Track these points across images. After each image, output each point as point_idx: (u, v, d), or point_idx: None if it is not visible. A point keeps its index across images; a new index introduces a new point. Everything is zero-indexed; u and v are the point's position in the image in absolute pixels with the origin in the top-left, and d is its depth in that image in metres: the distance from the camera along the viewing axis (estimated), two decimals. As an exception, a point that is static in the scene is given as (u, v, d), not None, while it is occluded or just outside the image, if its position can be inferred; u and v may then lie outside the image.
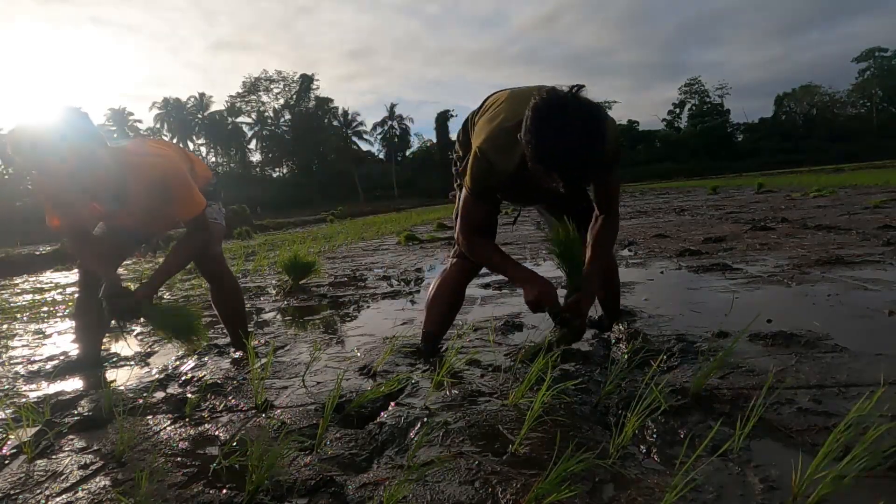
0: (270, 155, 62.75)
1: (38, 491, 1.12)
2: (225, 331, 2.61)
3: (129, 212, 1.85)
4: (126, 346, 2.33)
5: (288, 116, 62.55)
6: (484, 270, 2.95)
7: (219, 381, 1.76)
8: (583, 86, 1.37)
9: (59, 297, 4.46)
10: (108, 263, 1.90)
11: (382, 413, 1.39)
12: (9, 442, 1.37)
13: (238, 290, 2.20)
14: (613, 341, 1.86)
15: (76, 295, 2.14)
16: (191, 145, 56.78)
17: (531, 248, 4.73)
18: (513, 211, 1.70)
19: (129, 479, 1.14)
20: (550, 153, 1.32)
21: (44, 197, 1.80)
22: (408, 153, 67.20)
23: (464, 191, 1.69)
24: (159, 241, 2.20)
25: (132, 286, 1.90)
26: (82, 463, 1.24)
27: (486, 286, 3.20)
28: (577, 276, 1.61)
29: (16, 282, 6.56)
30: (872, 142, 50.82)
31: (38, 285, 5.77)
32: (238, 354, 2.10)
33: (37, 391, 1.84)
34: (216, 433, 1.36)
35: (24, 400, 1.72)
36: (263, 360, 1.85)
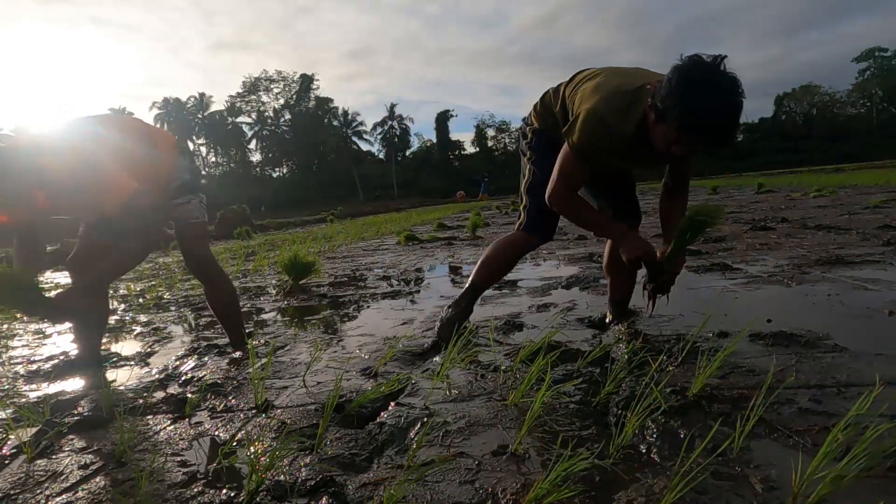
0: (270, 155, 62.80)
1: (38, 491, 1.12)
2: (224, 331, 2.61)
3: (70, 206, 1.78)
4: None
5: (288, 116, 62.61)
6: None
7: (219, 381, 1.76)
8: (725, 56, 1.40)
9: (59, 297, 4.46)
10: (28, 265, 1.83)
11: (382, 413, 1.39)
12: (9, 442, 1.37)
13: (231, 288, 2.14)
14: (613, 341, 1.86)
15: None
16: (191, 145, 56.78)
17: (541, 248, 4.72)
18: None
19: (129, 479, 1.14)
20: (704, 116, 1.36)
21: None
22: (408, 153, 67.26)
23: (565, 151, 1.70)
24: (167, 230, 2.16)
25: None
26: (82, 463, 1.24)
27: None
28: (682, 247, 1.69)
29: (16, 282, 6.55)
30: (872, 142, 50.84)
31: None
32: (238, 354, 2.10)
33: (37, 391, 1.84)
34: (216, 433, 1.36)
35: (24, 400, 1.72)
36: (263, 360, 1.85)
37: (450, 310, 2.10)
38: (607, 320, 2.14)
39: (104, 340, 2.23)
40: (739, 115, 1.40)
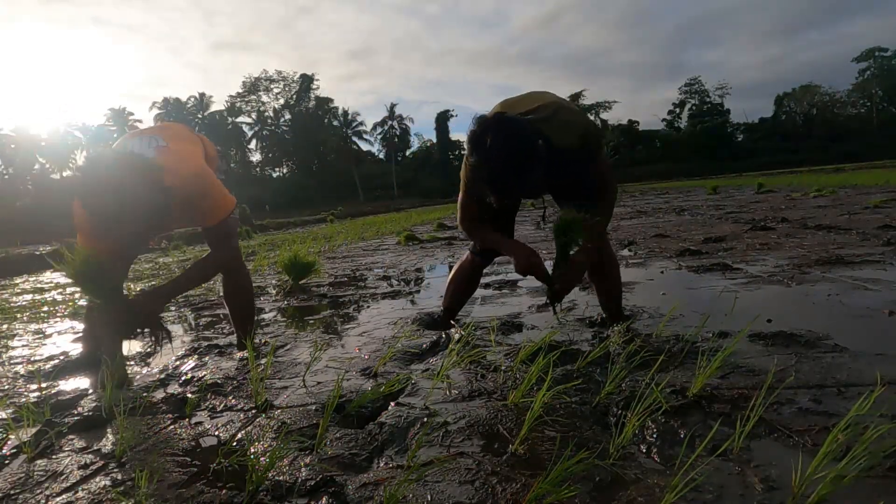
0: (270, 155, 62.80)
1: (38, 491, 1.12)
2: (225, 331, 2.61)
3: (168, 224, 1.83)
4: (166, 353, 2.17)
5: (288, 116, 62.61)
6: (487, 271, 3.00)
7: (219, 381, 1.76)
8: (503, 115, 1.59)
9: (59, 297, 4.46)
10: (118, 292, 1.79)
11: (382, 413, 1.39)
12: (9, 442, 1.37)
13: (250, 287, 2.19)
14: (613, 341, 1.86)
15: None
16: (191, 145, 56.69)
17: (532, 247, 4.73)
18: (532, 205, 1.88)
19: (129, 479, 1.14)
20: (481, 175, 1.55)
21: (87, 225, 1.70)
22: (408, 153, 67.27)
23: (460, 192, 1.93)
24: (162, 239, 2.18)
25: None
26: (82, 463, 1.24)
27: (486, 286, 3.20)
28: (564, 254, 1.80)
29: (16, 282, 6.56)
30: (872, 142, 50.82)
31: (38, 285, 5.77)
32: (239, 355, 2.10)
33: (37, 391, 1.84)
34: (216, 433, 1.36)
35: (24, 400, 1.72)
36: (263, 360, 1.85)
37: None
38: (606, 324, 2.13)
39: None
40: (506, 170, 1.51)
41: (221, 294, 2.21)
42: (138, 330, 1.73)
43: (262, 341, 2.29)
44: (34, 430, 1.42)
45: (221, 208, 1.87)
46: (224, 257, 1.97)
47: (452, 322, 2.21)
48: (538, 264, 1.77)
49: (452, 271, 2.26)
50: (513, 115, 1.62)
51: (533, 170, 1.55)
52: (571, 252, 1.80)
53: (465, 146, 1.59)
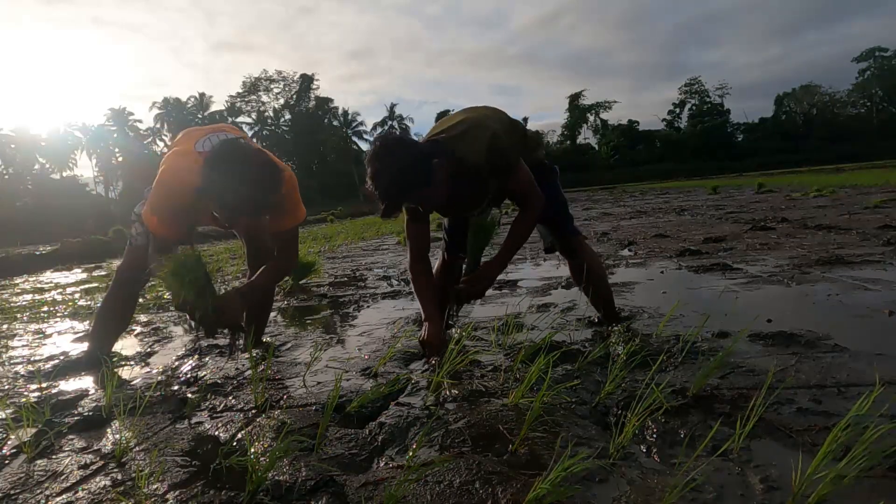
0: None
1: (38, 491, 1.12)
2: (225, 331, 2.61)
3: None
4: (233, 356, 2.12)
5: (288, 116, 62.61)
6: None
7: (219, 381, 1.76)
8: (390, 136, 1.67)
9: (59, 297, 4.46)
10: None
11: (382, 413, 1.39)
12: (9, 442, 1.37)
13: (272, 291, 2.26)
14: (613, 341, 1.86)
15: (111, 292, 2.10)
16: (191, 145, 56.72)
17: (531, 247, 4.73)
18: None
19: (129, 479, 1.14)
20: (373, 186, 1.62)
21: (166, 204, 1.74)
22: (408, 153, 67.11)
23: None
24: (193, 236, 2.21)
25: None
26: (82, 463, 1.24)
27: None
28: (476, 259, 1.94)
29: (16, 282, 6.57)
30: (872, 142, 50.83)
31: (38, 285, 5.77)
32: (238, 354, 2.10)
33: (37, 391, 1.84)
34: (216, 433, 1.36)
35: (24, 400, 1.72)
36: (263, 361, 1.85)
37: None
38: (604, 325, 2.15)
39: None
40: (389, 189, 1.60)
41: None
42: (221, 329, 1.74)
43: (263, 341, 2.29)
44: (34, 430, 1.42)
45: (300, 213, 1.95)
46: (292, 261, 2.03)
47: (451, 322, 2.20)
48: (438, 350, 1.77)
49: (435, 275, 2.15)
50: (401, 138, 1.69)
51: (420, 188, 1.63)
52: (484, 257, 1.93)
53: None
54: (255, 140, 2.28)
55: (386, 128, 63.77)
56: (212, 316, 1.67)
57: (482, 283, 1.88)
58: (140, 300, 3.85)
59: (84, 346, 2.52)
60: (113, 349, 2.20)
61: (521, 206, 1.91)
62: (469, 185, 1.78)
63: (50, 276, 6.87)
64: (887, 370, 1.38)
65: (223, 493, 1.04)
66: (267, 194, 1.62)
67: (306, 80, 62.07)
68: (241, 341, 1.83)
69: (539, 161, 2.02)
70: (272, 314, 2.94)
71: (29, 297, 4.72)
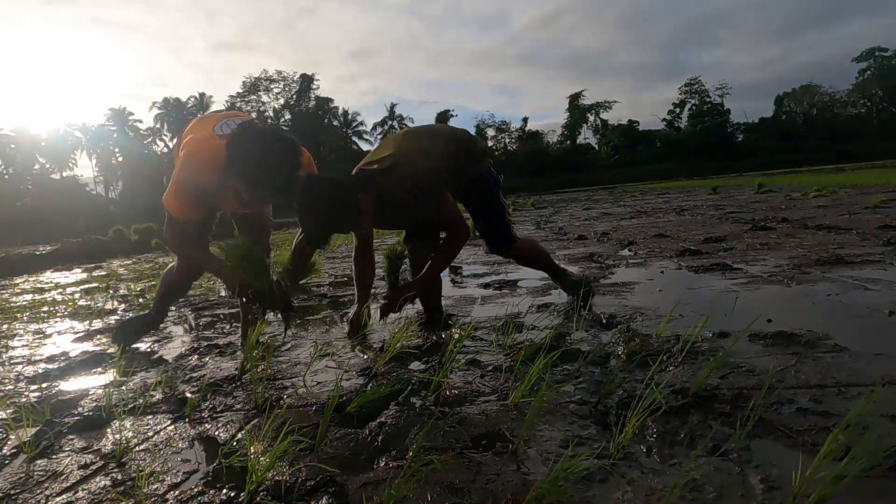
0: (270, 155, 62.68)
1: (38, 491, 1.12)
2: (225, 331, 2.61)
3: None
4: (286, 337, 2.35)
5: (288, 116, 62.58)
6: (485, 271, 3.04)
7: (219, 381, 1.76)
8: (318, 177, 1.97)
9: (59, 297, 4.46)
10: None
11: (382, 413, 1.39)
12: (9, 442, 1.37)
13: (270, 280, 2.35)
14: (613, 341, 1.86)
15: (173, 268, 2.32)
16: (191, 145, 56.71)
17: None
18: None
19: (129, 479, 1.14)
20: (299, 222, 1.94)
21: (188, 187, 1.84)
22: (408, 153, 67.08)
23: None
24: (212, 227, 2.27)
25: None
26: (82, 463, 1.24)
27: (487, 286, 3.20)
28: (394, 279, 2.32)
29: (16, 282, 6.57)
30: (872, 142, 50.81)
31: (38, 285, 5.77)
32: (238, 354, 2.10)
33: (37, 391, 1.84)
34: (216, 433, 1.36)
35: (24, 400, 1.72)
36: (263, 361, 1.85)
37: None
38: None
39: (109, 338, 2.24)
40: (316, 223, 1.90)
41: (226, 292, 2.25)
42: (275, 311, 1.97)
43: (263, 341, 2.29)
44: (34, 430, 1.42)
45: None
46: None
47: (450, 322, 2.23)
48: (355, 328, 2.19)
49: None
50: (326, 178, 1.91)
51: (345, 223, 1.93)
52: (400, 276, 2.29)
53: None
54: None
55: (386, 128, 63.83)
56: (271, 295, 1.91)
57: (397, 293, 2.13)
58: (139, 300, 3.85)
59: (84, 346, 2.52)
60: (111, 350, 2.21)
61: (446, 233, 2.16)
62: (397, 212, 2.05)
63: (50, 276, 6.87)
64: (887, 370, 1.38)
65: (223, 493, 1.04)
66: (293, 168, 1.71)
67: (306, 80, 62.10)
68: (290, 321, 2.08)
69: (485, 171, 2.26)
70: (272, 314, 2.93)
71: (29, 297, 4.72)
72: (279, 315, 2.06)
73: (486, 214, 2.30)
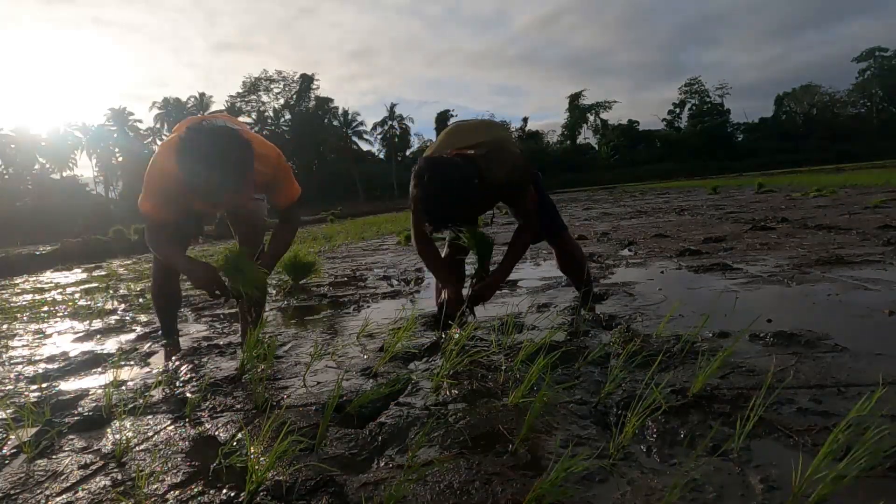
0: (271, 155, 62.64)
1: (38, 491, 1.12)
2: (225, 331, 2.61)
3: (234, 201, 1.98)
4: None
5: (288, 116, 62.60)
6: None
7: (219, 381, 1.76)
8: (459, 158, 1.88)
9: (59, 297, 4.46)
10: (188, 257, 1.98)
11: (382, 413, 1.39)
12: (9, 442, 1.37)
13: (266, 289, 2.31)
14: (613, 341, 1.86)
15: (154, 281, 2.31)
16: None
17: (530, 248, 4.72)
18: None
19: (129, 479, 1.14)
20: (419, 207, 1.85)
21: (157, 189, 1.85)
22: (408, 153, 67.19)
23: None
24: (206, 227, 2.27)
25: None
26: (82, 463, 1.24)
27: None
28: (483, 267, 2.13)
29: (16, 282, 6.57)
30: (872, 142, 50.82)
31: (38, 285, 5.77)
32: (239, 354, 2.10)
33: (37, 391, 1.84)
34: (216, 433, 1.36)
35: (24, 400, 1.72)
36: (263, 361, 1.85)
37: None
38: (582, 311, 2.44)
39: (109, 338, 2.24)
40: (445, 209, 1.81)
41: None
42: (247, 291, 1.91)
43: (263, 341, 2.29)
44: (34, 430, 1.42)
45: (295, 190, 2.07)
46: (292, 234, 2.17)
47: (451, 322, 2.23)
48: (457, 304, 2.08)
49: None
50: (449, 159, 1.86)
51: (462, 206, 1.82)
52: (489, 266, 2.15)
53: (411, 181, 1.86)
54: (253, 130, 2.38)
55: (386, 128, 63.81)
56: (242, 285, 1.87)
57: (491, 289, 2.12)
58: (139, 300, 3.85)
59: (84, 346, 2.52)
60: (117, 348, 2.21)
61: (523, 222, 2.17)
62: (487, 200, 2.02)
63: (50, 276, 6.87)
64: (887, 370, 1.38)
65: (223, 493, 1.04)
66: (233, 171, 1.67)
67: (306, 80, 62.09)
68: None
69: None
70: (272, 314, 2.94)
71: (29, 297, 4.72)
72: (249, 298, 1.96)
73: (542, 203, 2.32)
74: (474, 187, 1.81)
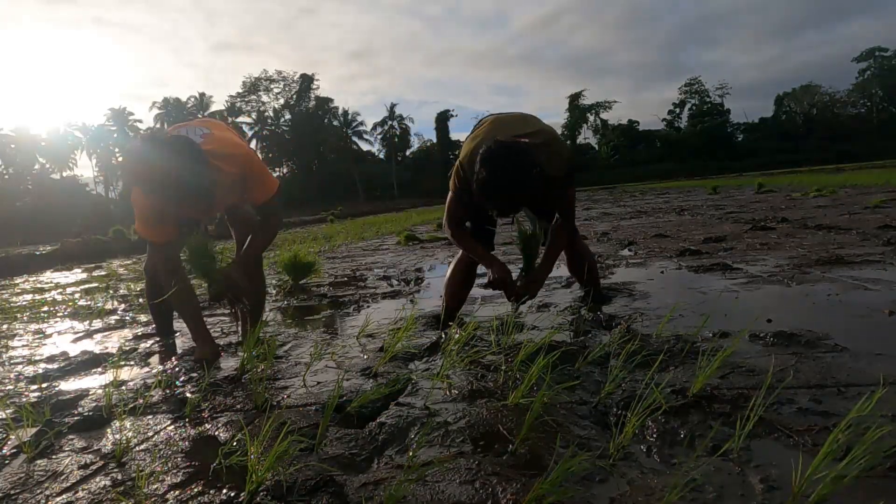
0: (271, 155, 62.69)
1: (38, 491, 1.12)
2: (225, 331, 2.61)
3: (217, 205, 2.01)
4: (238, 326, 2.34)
5: (288, 116, 62.58)
6: (484, 271, 3.05)
7: (219, 381, 1.76)
8: (524, 145, 1.81)
9: (59, 297, 4.46)
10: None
11: (382, 413, 1.39)
12: (9, 442, 1.37)
13: (264, 288, 2.37)
14: (613, 341, 1.86)
15: (146, 286, 2.38)
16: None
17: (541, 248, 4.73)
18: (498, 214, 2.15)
19: (129, 479, 1.14)
20: (485, 191, 1.78)
21: (148, 212, 1.88)
22: (408, 153, 67.23)
23: (449, 192, 2.14)
24: (207, 226, 2.26)
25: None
26: (82, 463, 1.24)
27: (487, 286, 3.19)
28: (530, 264, 2.16)
29: (16, 282, 6.57)
30: (872, 142, 50.81)
31: (38, 285, 5.77)
32: (238, 354, 2.10)
33: (37, 391, 1.84)
34: (216, 433, 1.36)
35: (24, 400, 1.72)
36: (263, 361, 1.85)
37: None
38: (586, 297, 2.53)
39: (109, 338, 2.25)
40: (514, 194, 1.78)
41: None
42: (226, 297, 1.95)
43: (263, 341, 2.29)
44: (34, 430, 1.42)
45: (269, 187, 2.04)
46: (272, 231, 2.16)
47: (451, 323, 2.24)
48: (509, 282, 2.07)
49: (449, 270, 2.39)
50: (523, 145, 1.81)
51: (530, 192, 1.80)
52: (536, 261, 2.17)
53: (477, 163, 1.78)
54: (245, 136, 2.41)
55: (386, 128, 63.80)
56: (217, 286, 1.90)
57: (537, 284, 2.15)
58: (139, 300, 3.85)
59: (84, 345, 2.52)
60: (117, 348, 2.21)
61: (563, 218, 2.19)
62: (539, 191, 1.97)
63: (50, 276, 6.87)
64: (887, 370, 1.38)
65: (223, 493, 1.04)
66: (180, 180, 1.67)
67: (306, 80, 62.08)
68: (242, 307, 2.05)
69: None
70: (272, 314, 2.94)
71: (29, 297, 4.71)
72: (233, 305, 2.02)
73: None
74: (541, 175, 1.78)
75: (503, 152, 1.74)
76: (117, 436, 1.36)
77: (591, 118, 64.43)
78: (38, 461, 1.26)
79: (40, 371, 2.09)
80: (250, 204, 2.11)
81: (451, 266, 2.37)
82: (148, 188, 1.70)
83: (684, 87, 65.41)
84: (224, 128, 2.13)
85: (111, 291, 4.51)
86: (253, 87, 62.21)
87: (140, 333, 2.71)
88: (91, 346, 2.52)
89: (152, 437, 1.37)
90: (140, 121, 57.65)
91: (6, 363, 2.29)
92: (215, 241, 2.07)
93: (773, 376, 1.34)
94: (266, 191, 2.03)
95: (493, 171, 1.73)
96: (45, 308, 3.85)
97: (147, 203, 1.83)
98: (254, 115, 62.28)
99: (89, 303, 3.96)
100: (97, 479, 1.15)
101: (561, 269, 3.59)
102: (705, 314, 1.92)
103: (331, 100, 63.44)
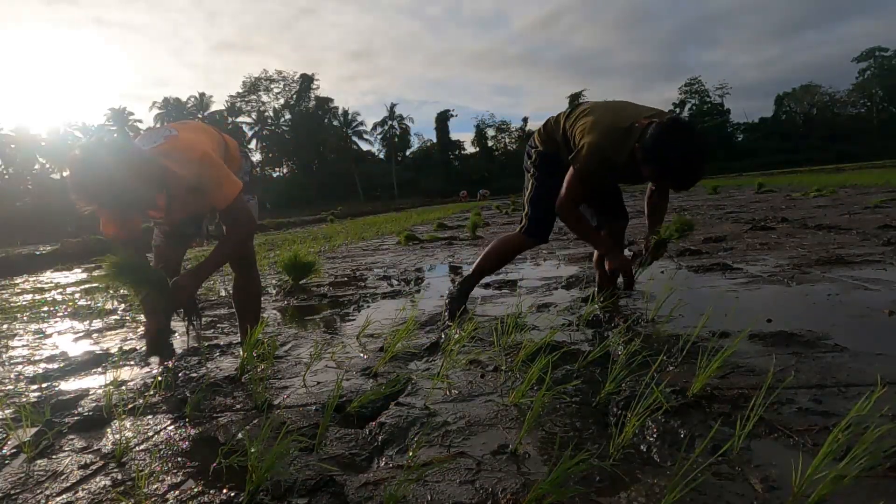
0: (270, 155, 62.77)
1: (38, 491, 1.12)
2: (225, 331, 2.61)
3: (180, 208, 1.93)
4: (192, 339, 2.37)
5: (288, 116, 62.60)
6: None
7: (219, 381, 1.76)
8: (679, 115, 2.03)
9: (59, 297, 4.46)
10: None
11: (382, 413, 1.39)
12: (9, 442, 1.37)
13: (259, 288, 2.30)
14: (613, 341, 1.86)
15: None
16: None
17: (531, 249, 4.72)
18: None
19: (129, 479, 1.14)
20: (674, 164, 1.83)
21: (99, 212, 1.83)
22: (408, 153, 67.25)
23: (571, 173, 2.11)
24: (208, 226, 2.23)
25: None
26: (82, 463, 1.24)
27: (487, 286, 3.20)
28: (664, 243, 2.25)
29: (16, 282, 6.57)
30: (872, 142, 50.82)
31: (38, 285, 5.77)
32: (239, 354, 2.10)
33: (37, 391, 1.84)
34: (216, 433, 1.36)
35: (24, 400, 1.72)
36: (263, 361, 1.85)
37: (457, 287, 2.51)
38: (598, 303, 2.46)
39: (109, 338, 2.24)
40: (700, 169, 1.88)
41: (226, 293, 2.25)
42: (177, 310, 1.86)
43: (263, 341, 2.29)
44: (34, 430, 1.42)
45: (228, 190, 1.85)
46: (236, 238, 1.97)
47: (451, 324, 2.24)
48: (628, 268, 2.15)
49: (497, 243, 2.49)
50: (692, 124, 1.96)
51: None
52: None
53: (657, 136, 1.83)
54: (229, 133, 2.35)
55: (386, 128, 63.82)
56: (164, 300, 1.79)
57: (657, 258, 2.27)
58: (138, 301, 3.85)
59: (84, 345, 2.52)
60: (117, 348, 2.21)
61: (665, 190, 2.32)
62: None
63: (50, 276, 6.87)
64: (887, 370, 1.38)
65: (223, 493, 1.04)
66: (118, 190, 1.62)
67: (306, 80, 62.11)
68: (196, 320, 1.94)
69: None
70: (272, 314, 2.94)
71: (29, 297, 4.71)
72: (185, 317, 1.91)
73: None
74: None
75: (692, 129, 1.87)
76: (117, 436, 1.36)
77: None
78: (38, 461, 1.27)
79: (40, 371, 2.09)
80: (214, 209, 1.98)
81: (500, 240, 2.48)
82: (85, 202, 1.65)
83: (684, 87, 65.52)
84: (197, 129, 2.01)
85: (111, 291, 4.51)
86: (253, 86, 62.25)
87: (140, 333, 2.71)
88: (91, 346, 2.52)
89: (152, 437, 1.37)
90: (140, 121, 57.70)
91: (6, 363, 2.29)
92: (216, 242, 2.06)
93: (774, 376, 1.34)
94: (224, 195, 1.84)
95: (698, 148, 1.84)
96: (45, 308, 3.85)
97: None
98: (254, 115, 62.33)
99: (89, 303, 3.96)
100: (97, 479, 1.15)
101: (561, 269, 3.59)
102: (705, 314, 1.92)
103: (331, 100, 63.55)
